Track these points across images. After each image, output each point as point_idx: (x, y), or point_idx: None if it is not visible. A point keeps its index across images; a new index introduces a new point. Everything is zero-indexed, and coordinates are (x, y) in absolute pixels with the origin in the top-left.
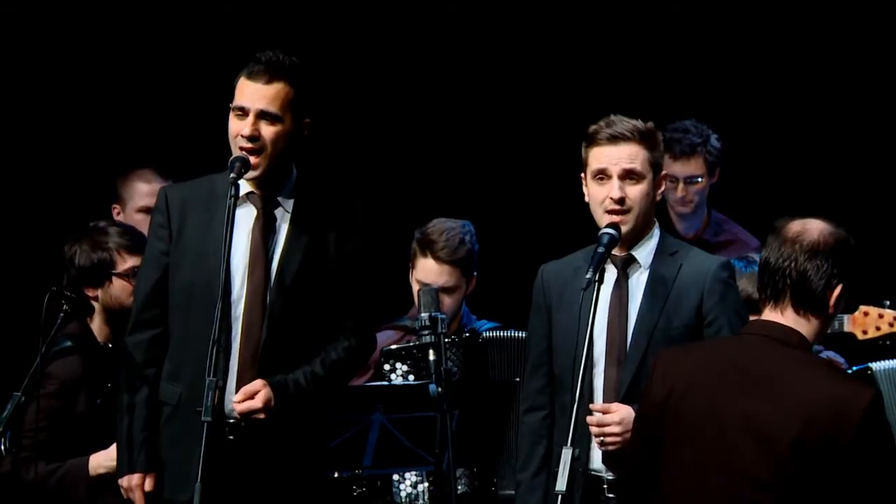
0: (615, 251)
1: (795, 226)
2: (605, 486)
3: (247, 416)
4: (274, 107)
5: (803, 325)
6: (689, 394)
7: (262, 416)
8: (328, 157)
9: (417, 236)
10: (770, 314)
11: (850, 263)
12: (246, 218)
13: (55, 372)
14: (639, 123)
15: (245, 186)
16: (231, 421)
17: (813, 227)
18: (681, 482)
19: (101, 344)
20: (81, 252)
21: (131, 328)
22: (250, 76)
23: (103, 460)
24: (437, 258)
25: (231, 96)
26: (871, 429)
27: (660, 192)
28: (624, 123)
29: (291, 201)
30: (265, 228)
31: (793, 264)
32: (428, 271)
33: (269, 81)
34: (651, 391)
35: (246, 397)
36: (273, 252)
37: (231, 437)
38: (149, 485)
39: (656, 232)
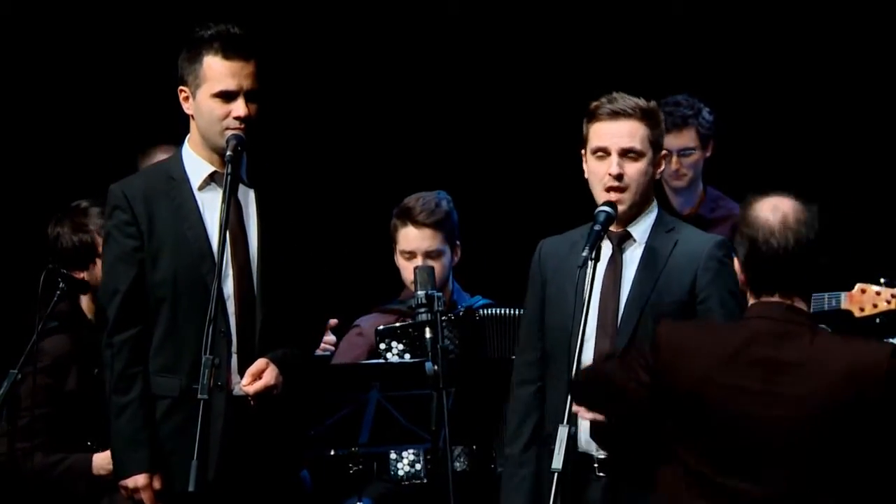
0: (612, 227)
1: (766, 207)
2: (596, 466)
3: (260, 395)
4: (257, 83)
5: (799, 302)
6: (711, 392)
7: (275, 392)
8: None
9: (395, 211)
10: (765, 296)
11: (828, 234)
12: (212, 198)
13: (46, 348)
14: (641, 101)
15: (208, 167)
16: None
17: (786, 207)
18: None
19: (91, 321)
20: (63, 234)
21: (113, 328)
22: (227, 56)
23: (106, 462)
24: (416, 223)
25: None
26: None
27: (659, 170)
28: (626, 100)
29: (246, 177)
30: (236, 206)
31: (777, 244)
32: (410, 239)
33: (247, 59)
34: (657, 367)
35: (254, 378)
36: (248, 227)
37: (229, 414)
38: (157, 483)
39: (654, 209)
